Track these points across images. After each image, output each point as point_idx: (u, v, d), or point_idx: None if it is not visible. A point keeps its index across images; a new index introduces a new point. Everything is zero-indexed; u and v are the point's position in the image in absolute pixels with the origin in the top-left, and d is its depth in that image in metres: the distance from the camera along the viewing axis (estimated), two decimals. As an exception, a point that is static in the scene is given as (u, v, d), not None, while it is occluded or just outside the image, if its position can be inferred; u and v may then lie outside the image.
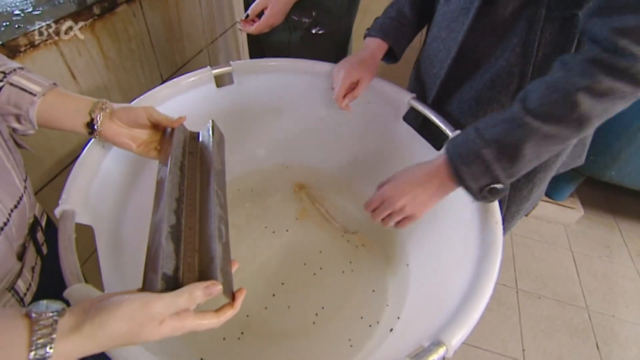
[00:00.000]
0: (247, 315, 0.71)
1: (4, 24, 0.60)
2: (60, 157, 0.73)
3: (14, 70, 0.43)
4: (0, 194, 0.36)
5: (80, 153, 0.53)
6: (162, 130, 0.52)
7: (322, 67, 0.77)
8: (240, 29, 0.84)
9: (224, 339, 0.68)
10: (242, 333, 0.69)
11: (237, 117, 0.83)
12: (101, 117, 0.46)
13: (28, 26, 0.61)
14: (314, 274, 0.79)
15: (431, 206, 0.55)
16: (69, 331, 0.28)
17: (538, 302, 1.31)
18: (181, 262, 0.36)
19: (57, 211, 0.44)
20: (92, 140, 0.54)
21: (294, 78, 0.79)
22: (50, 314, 0.28)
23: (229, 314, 0.37)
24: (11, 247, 0.38)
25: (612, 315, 1.29)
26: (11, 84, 0.42)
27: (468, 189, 0.49)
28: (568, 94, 0.43)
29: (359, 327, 0.70)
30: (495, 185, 0.48)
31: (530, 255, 1.48)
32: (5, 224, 0.36)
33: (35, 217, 0.45)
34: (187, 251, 0.37)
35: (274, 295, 0.75)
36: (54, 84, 0.46)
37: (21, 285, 0.42)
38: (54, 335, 0.27)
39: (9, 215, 0.37)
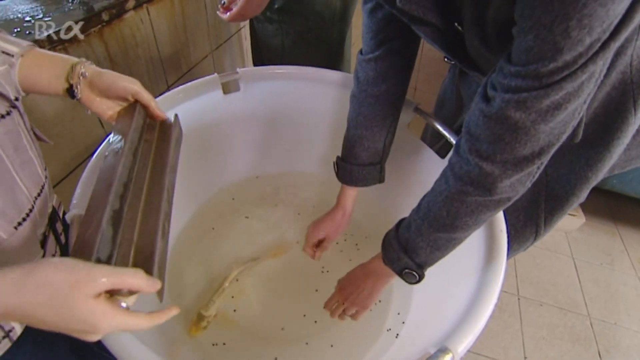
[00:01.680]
0: (248, 320, 0.72)
1: (16, 30, 0.61)
2: (80, 151, 0.74)
3: None
4: (26, 182, 0.37)
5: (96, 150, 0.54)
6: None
7: (329, 74, 0.78)
8: (217, 13, 0.83)
9: (224, 344, 0.68)
10: (239, 338, 0.69)
11: (243, 123, 0.84)
12: (80, 85, 0.44)
13: (38, 32, 0.62)
14: (317, 279, 0.79)
15: (376, 296, 0.64)
16: None
17: (540, 310, 1.31)
18: (115, 251, 0.34)
19: (68, 216, 0.44)
20: (102, 144, 0.54)
21: (300, 86, 0.80)
22: None
23: (161, 319, 0.34)
24: (35, 234, 0.39)
25: (614, 323, 1.29)
26: None
27: (392, 270, 0.57)
28: (435, 197, 0.48)
29: (365, 332, 0.70)
30: (408, 271, 0.54)
31: (531, 262, 1.47)
32: (30, 210, 0.38)
33: (53, 207, 0.46)
34: (123, 241, 0.35)
35: (275, 300, 0.75)
36: (32, 44, 0.44)
37: None
38: None
39: (34, 202, 0.38)
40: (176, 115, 0.50)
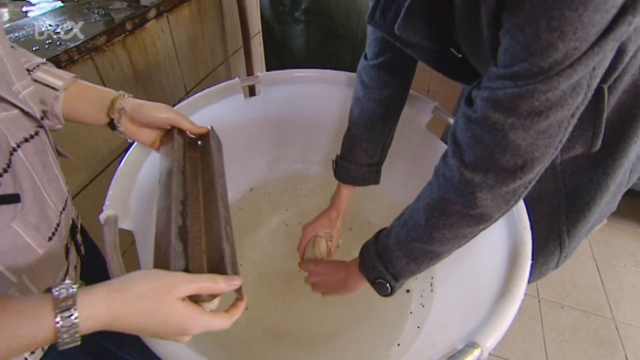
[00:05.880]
0: (274, 319, 0.72)
1: (47, 41, 0.64)
2: (93, 166, 0.77)
3: (37, 66, 0.44)
4: (53, 198, 0.39)
5: (122, 159, 0.56)
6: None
7: (348, 77, 0.79)
8: None
9: (250, 342, 0.69)
10: (266, 336, 0.70)
11: (263, 126, 0.85)
12: (122, 120, 0.47)
13: (68, 43, 0.65)
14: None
15: (341, 289, 0.62)
16: (95, 289, 0.29)
17: (561, 312, 1.28)
18: (190, 263, 0.36)
19: (102, 217, 0.46)
20: (131, 148, 0.56)
21: (319, 88, 0.81)
22: (67, 284, 0.29)
23: (239, 310, 0.37)
24: (62, 246, 0.41)
25: (641, 326, 1.25)
26: (35, 81, 0.43)
27: (366, 278, 0.56)
28: (417, 205, 0.48)
29: (388, 328, 0.70)
30: (381, 280, 0.53)
31: (551, 263, 1.45)
32: (58, 224, 0.39)
33: (72, 220, 0.48)
34: (194, 252, 0.38)
35: (300, 299, 0.76)
36: (75, 76, 0.47)
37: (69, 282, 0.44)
38: (76, 297, 0.28)
39: (60, 216, 0.40)
40: (212, 127, 0.54)
